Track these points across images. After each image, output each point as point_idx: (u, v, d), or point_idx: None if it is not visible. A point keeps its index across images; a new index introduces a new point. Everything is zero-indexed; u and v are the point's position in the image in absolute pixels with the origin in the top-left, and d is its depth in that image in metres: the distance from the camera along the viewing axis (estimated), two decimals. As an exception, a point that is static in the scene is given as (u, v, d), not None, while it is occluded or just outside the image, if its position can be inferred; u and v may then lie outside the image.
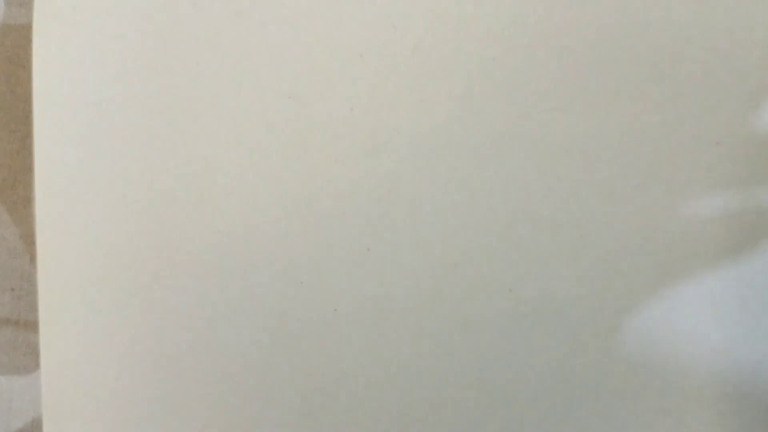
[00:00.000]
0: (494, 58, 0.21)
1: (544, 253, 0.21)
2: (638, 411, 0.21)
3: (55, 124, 0.21)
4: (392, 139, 0.21)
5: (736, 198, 0.21)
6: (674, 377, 0.21)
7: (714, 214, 0.21)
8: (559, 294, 0.21)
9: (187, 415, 0.22)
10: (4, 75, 0.21)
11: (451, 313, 0.21)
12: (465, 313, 0.21)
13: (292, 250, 0.21)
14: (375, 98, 0.21)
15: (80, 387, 0.22)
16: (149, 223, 0.21)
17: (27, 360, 0.22)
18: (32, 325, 0.22)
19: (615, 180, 0.21)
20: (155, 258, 0.21)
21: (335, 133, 0.21)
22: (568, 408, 0.21)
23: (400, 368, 0.21)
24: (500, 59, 0.21)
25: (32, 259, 0.22)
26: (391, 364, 0.21)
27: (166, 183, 0.21)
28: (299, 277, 0.21)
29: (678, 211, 0.21)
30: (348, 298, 0.21)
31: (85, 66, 0.21)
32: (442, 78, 0.21)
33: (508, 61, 0.21)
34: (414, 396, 0.21)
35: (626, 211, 0.21)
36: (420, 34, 0.21)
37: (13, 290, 0.22)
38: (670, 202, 0.21)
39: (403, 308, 0.21)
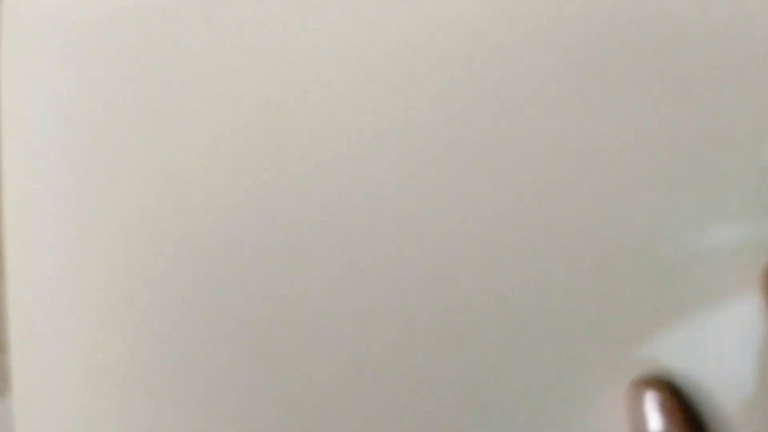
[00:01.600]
0: (481, 57, 0.20)
1: (536, 258, 0.20)
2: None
3: (22, 138, 0.21)
4: (375, 142, 0.21)
5: (738, 196, 0.20)
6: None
7: (714, 214, 0.20)
8: (554, 301, 0.20)
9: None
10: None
11: (439, 321, 0.21)
12: (454, 322, 0.21)
13: (271, 259, 0.21)
14: (356, 101, 0.21)
15: (53, 410, 0.21)
16: (120, 239, 0.21)
17: (1, 383, 0.22)
18: (4, 347, 0.22)
19: (609, 182, 0.20)
20: (128, 277, 0.21)
21: (315, 139, 0.21)
22: (563, 423, 0.20)
23: (387, 380, 0.21)
24: (487, 58, 0.20)
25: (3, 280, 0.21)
26: (378, 376, 0.21)
27: (139, 194, 0.21)
28: (279, 286, 0.21)
29: (676, 212, 0.20)
30: (331, 308, 0.21)
31: (53, 75, 0.21)
32: (427, 79, 0.21)
33: (495, 61, 0.20)
34: (400, 408, 0.21)
35: (622, 214, 0.20)
36: (402, 33, 0.20)
37: (-16, 311, 0.22)
38: (667, 202, 0.20)
39: (390, 317, 0.21)
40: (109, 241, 0.21)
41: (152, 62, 0.21)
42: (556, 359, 0.21)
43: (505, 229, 0.20)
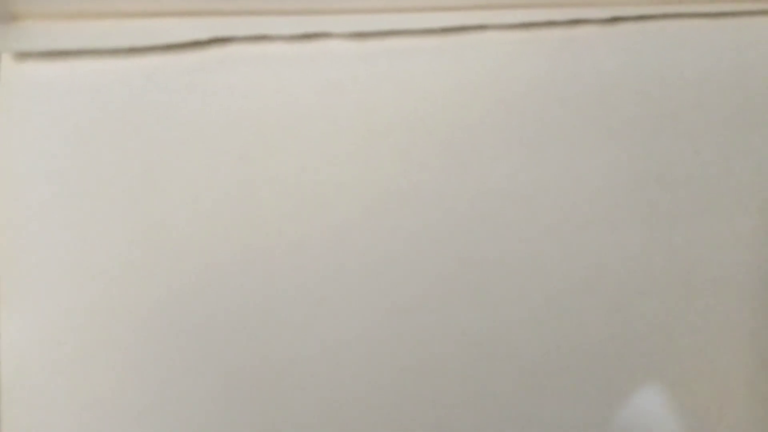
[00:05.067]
0: (434, 114, 0.22)
1: (493, 295, 0.21)
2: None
3: (15, 197, 0.22)
4: (341, 193, 0.22)
5: (676, 230, 0.21)
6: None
7: (657, 247, 0.21)
8: (511, 333, 0.21)
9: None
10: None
11: (404, 358, 0.21)
12: (418, 358, 0.21)
13: (245, 303, 0.22)
14: (323, 156, 0.22)
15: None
16: (106, 285, 0.22)
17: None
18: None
19: (557, 221, 0.21)
20: (113, 320, 0.22)
21: (286, 191, 0.22)
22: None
23: (355, 418, 0.21)
24: (440, 116, 0.22)
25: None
26: (346, 414, 0.21)
27: (125, 244, 0.22)
28: (253, 329, 0.22)
29: (622, 247, 0.21)
30: (302, 349, 0.22)
31: (47, 137, 0.22)
32: (386, 134, 0.22)
33: (447, 118, 0.22)
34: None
35: (571, 250, 0.21)
36: (365, 93, 0.22)
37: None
38: (613, 238, 0.21)
39: (357, 356, 0.21)
40: (95, 288, 0.22)
41: (139, 124, 0.22)
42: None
43: (460, 268, 0.21)
